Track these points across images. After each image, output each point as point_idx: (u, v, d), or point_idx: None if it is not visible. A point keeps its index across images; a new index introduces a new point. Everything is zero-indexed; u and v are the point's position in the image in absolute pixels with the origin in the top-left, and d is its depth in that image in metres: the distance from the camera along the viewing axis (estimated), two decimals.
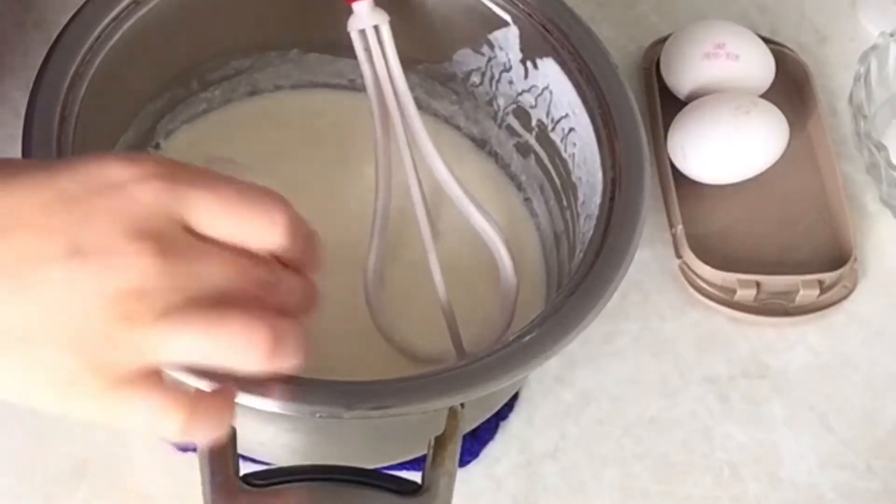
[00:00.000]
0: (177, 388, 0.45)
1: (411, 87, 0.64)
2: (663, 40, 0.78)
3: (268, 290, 0.47)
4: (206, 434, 0.46)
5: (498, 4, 0.65)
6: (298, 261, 0.48)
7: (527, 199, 0.70)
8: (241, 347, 0.45)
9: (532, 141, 0.68)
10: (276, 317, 0.45)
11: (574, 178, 0.65)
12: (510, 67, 0.67)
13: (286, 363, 0.46)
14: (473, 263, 0.66)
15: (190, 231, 0.45)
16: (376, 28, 0.63)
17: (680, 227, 0.72)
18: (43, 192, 0.44)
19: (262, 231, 0.46)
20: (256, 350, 0.45)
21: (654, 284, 0.72)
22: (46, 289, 0.43)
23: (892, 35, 0.77)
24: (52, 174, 0.45)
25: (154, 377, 0.45)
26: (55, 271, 0.43)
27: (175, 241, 0.45)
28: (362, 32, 0.64)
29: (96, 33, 0.61)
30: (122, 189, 0.44)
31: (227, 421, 0.47)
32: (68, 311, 0.43)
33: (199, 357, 0.45)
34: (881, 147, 0.73)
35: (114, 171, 0.45)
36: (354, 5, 0.63)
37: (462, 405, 0.54)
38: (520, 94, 0.67)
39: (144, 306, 0.43)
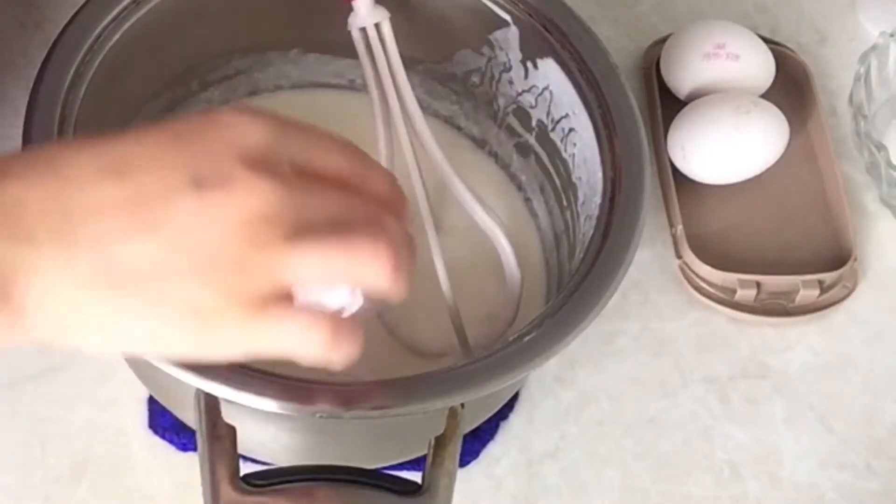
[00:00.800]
0: (313, 308, 0.46)
1: (411, 87, 0.64)
2: (663, 40, 0.78)
3: (375, 221, 0.47)
4: (348, 351, 0.46)
5: (498, 4, 0.65)
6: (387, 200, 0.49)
7: (527, 200, 0.70)
8: (368, 262, 0.45)
9: (532, 141, 0.68)
10: (392, 235, 0.47)
11: (574, 179, 0.65)
12: (510, 67, 0.67)
13: (406, 280, 0.46)
14: (477, 259, 0.66)
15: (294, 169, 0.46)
16: (377, 26, 0.63)
17: (680, 227, 0.72)
18: (155, 135, 0.45)
19: (371, 169, 0.49)
20: (382, 264, 0.45)
21: (654, 284, 0.72)
22: (176, 222, 0.43)
23: (892, 35, 0.77)
24: (162, 123, 0.46)
25: (289, 299, 0.45)
26: (182, 204, 0.43)
27: (286, 174, 0.45)
28: (363, 31, 0.64)
29: (96, 33, 0.61)
30: (231, 125, 0.45)
31: (361, 340, 0.47)
32: (198, 242, 0.43)
33: (329, 275, 0.46)
34: (881, 147, 0.73)
35: (222, 114, 0.46)
36: (355, 3, 0.63)
37: (462, 405, 0.54)
38: (520, 94, 0.67)
39: (272, 230, 0.44)
